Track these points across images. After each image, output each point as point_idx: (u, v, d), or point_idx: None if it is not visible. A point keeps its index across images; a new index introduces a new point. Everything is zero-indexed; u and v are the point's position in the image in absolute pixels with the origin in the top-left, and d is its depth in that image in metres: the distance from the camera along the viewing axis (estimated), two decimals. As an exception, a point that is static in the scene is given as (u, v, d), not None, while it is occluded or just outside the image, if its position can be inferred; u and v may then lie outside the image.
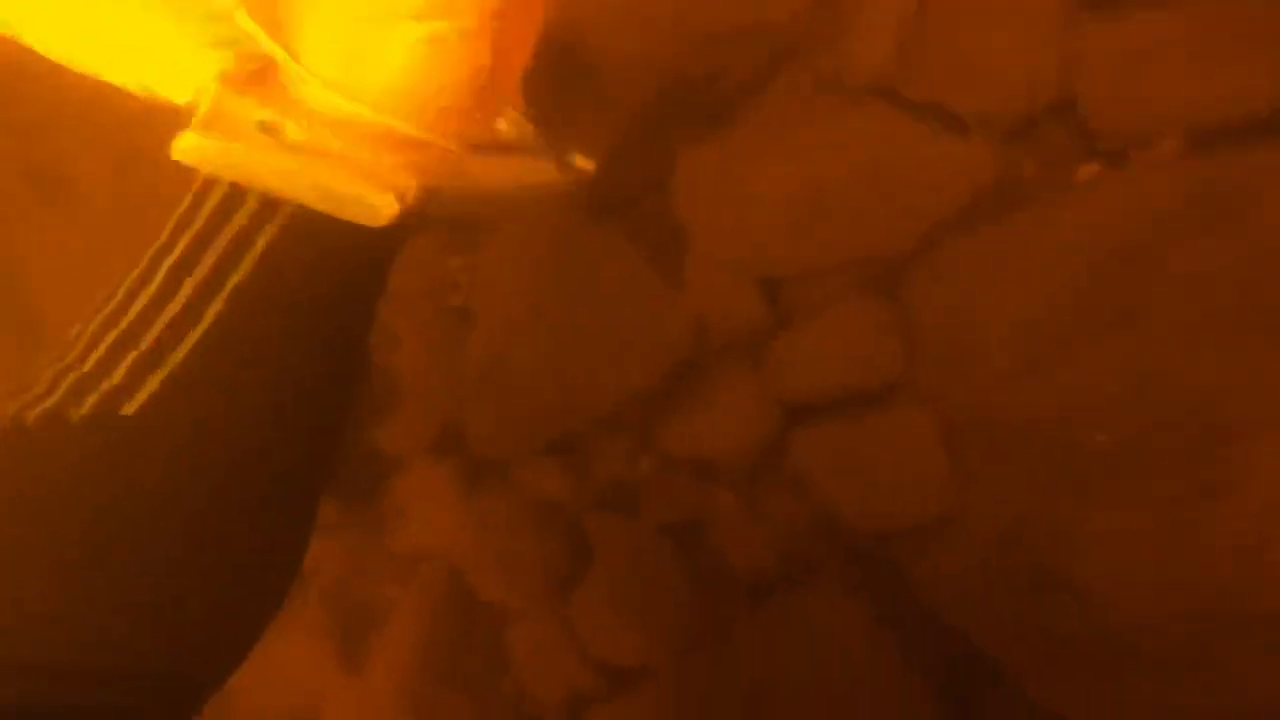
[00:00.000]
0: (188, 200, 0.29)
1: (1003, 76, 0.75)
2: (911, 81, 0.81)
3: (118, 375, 0.26)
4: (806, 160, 0.82)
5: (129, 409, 0.26)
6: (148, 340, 0.27)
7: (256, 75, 0.29)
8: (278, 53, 0.28)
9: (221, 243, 0.28)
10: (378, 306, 0.33)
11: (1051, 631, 0.64)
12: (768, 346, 0.84)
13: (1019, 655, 0.65)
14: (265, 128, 0.28)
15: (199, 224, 0.28)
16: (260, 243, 0.28)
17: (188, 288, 0.27)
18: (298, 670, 1.19)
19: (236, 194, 0.28)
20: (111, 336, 0.27)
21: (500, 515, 1.01)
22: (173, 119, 0.29)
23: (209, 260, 0.27)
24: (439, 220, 1.06)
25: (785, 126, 0.84)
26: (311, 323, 0.30)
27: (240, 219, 0.28)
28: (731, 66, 0.86)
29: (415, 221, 0.31)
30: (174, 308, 0.27)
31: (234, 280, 0.27)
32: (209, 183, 0.29)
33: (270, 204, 0.28)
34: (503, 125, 0.39)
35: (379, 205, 0.29)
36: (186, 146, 0.28)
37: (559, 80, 0.94)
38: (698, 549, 0.87)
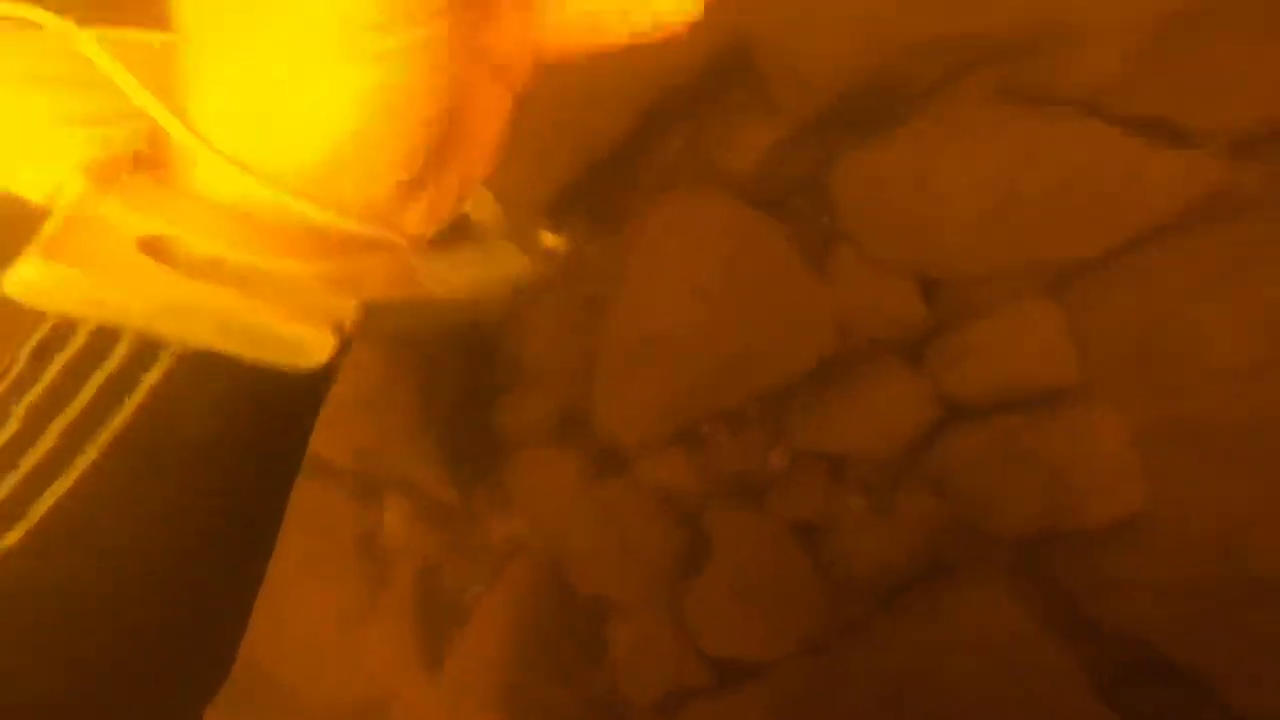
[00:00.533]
0: (46, 327, 0.23)
1: (1238, 90, 0.73)
2: (1130, 95, 0.80)
3: None
4: (992, 165, 0.82)
5: None
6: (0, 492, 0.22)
7: (139, 163, 0.22)
8: (164, 118, 0.21)
9: (92, 386, 0.22)
10: (308, 438, 0.27)
11: (1272, 641, 0.57)
12: (928, 344, 0.82)
13: (1223, 666, 0.59)
14: (149, 246, 0.21)
15: (65, 358, 0.22)
16: (143, 386, 0.22)
17: (54, 431, 0.22)
18: (372, 661, 1.18)
19: (109, 329, 0.22)
20: None
21: (617, 504, 1.00)
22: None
23: (78, 404, 0.22)
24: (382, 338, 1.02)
25: (969, 131, 0.85)
26: (212, 475, 0.24)
27: (116, 358, 0.22)
28: (920, 73, 0.88)
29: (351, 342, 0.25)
30: (34, 455, 0.22)
31: (110, 428, 0.22)
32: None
33: (151, 341, 0.22)
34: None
35: (311, 344, 0.22)
36: (29, 280, 0.20)
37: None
38: (825, 546, 0.84)
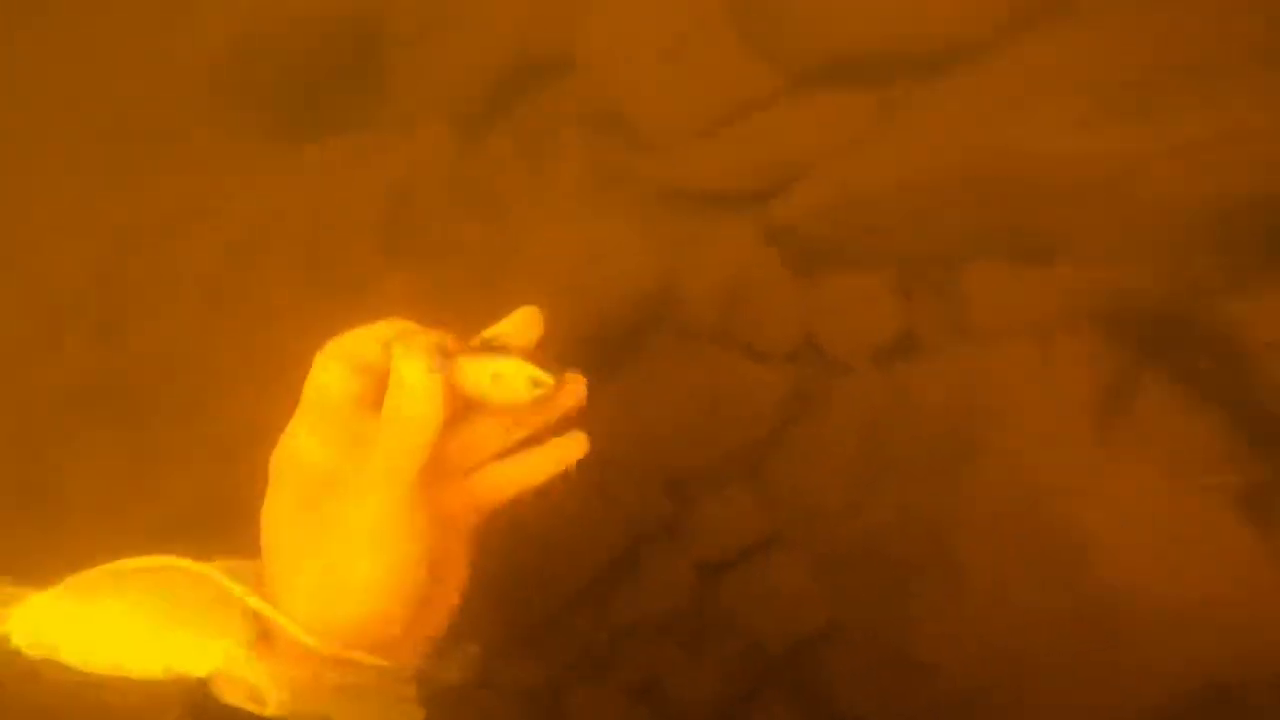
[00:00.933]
0: None
1: (771, 324, 1.20)
2: (733, 329, 1.25)
3: None
4: (687, 386, 1.21)
5: None
6: None
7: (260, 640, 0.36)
8: (274, 616, 0.35)
9: None
10: None
11: (927, 711, 0.93)
12: (680, 527, 1.16)
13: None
14: (308, 684, 0.35)
15: None
16: None
17: None
18: None
19: None
20: None
21: (488, 711, 1.20)
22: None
23: None
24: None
25: (665, 364, 1.24)
26: None
27: None
28: (626, 321, 1.26)
29: None
30: None
31: None
32: None
33: None
34: None
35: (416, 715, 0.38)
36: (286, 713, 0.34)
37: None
38: (665, 699, 1.12)
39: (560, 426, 0.44)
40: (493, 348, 0.40)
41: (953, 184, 1.24)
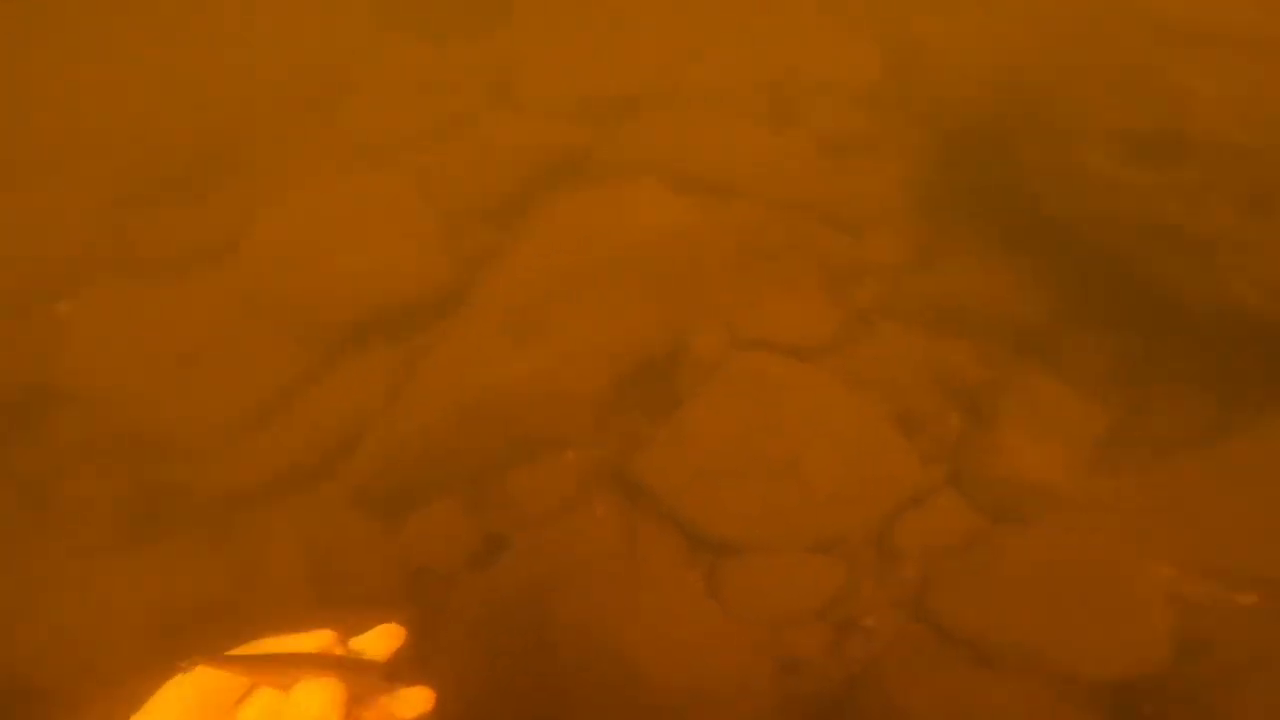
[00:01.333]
0: None
1: (371, 574, 1.35)
2: (335, 596, 1.34)
3: None
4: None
5: None
6: None
7: None
8: None
9: None
10: None
11: None
12: None
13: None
14: None
15: None
16: None
17: None
18: None
19: None
20: None
21: None
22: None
23: None
24: None
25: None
26: None
27: None
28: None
29: None
30: None
31: None
32: None
33: None
34: None
35: None
36: None
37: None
38: None
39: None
40: (350, 657, 0.46)
41: (470, 413, 1.56)
